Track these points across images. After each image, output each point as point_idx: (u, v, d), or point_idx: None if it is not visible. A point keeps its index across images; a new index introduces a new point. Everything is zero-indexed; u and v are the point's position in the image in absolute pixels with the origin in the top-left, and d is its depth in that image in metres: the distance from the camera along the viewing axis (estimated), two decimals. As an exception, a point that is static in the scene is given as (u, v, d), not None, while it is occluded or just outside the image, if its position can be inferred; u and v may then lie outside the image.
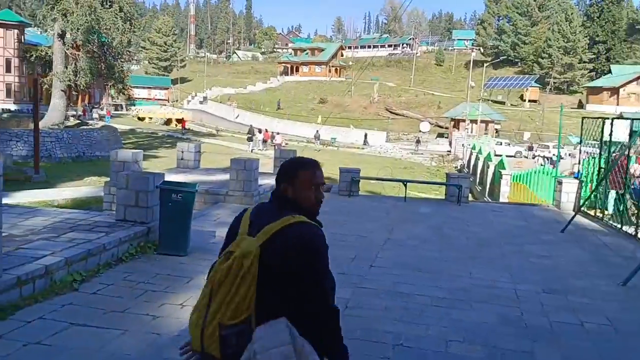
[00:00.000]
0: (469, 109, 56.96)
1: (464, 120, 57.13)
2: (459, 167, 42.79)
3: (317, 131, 52.92)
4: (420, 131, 66.74)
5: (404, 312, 6.00)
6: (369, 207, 12.83)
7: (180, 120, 62.65)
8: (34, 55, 36.64)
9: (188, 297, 6.15)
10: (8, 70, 58.96)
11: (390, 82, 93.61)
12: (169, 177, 13.08)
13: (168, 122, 64.70)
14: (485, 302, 6.55)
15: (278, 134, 46.75)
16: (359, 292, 6.67)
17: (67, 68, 30.53)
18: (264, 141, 42.63)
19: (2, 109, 49.98)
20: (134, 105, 74.90)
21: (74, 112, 52.50)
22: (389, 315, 5.87)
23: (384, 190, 20.52)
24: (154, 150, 35.34)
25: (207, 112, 74.67)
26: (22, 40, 57.54)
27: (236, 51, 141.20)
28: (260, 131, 44.39)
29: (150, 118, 65.66)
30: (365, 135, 60.37)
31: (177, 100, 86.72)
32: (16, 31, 57.39)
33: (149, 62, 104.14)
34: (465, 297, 6.68)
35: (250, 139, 40.67)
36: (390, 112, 74.82)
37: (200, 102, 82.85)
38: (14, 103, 57.51)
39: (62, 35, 30.00)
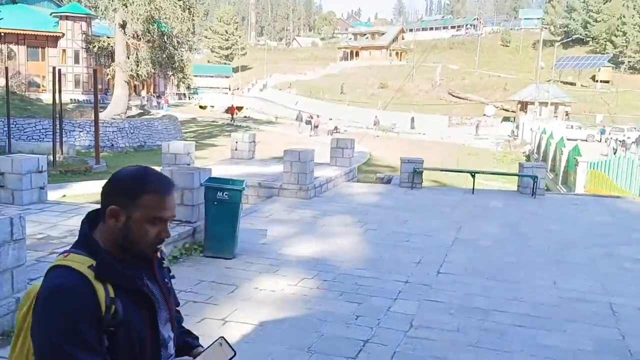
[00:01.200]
0: (538, 91, 54.03)
1: (532, 103, 54.32)
2: (527, 153, 40.62)
3: (376, 117, 51.70)
4: (484, 115, 64.19)
5: (481, 335, 5.09)
6: (434, 201, 11.85)
7: (239, 108, 63.04)
8: (97, 46, 37.31)
9: (231, 310, 5.49)
10: (76, 61, 61.00)
11: (453, 64, 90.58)
12: (222, 169, 12.56)
13: (229, 110, 65.29)
14: (576, 322, 5.53)
15: (331, 119, 45.95)
16: (426, 306, 5.81)
17: (128, 58, 30.81)
18: (315, 127, 41.99)
19: (71, 99, 51.67)
20: (196, 94, 76.04)
21: (139, 102, 53.68)
22: (463, 339, 4.98)
23: (449, 180, 19.36)
24: (213, 138, 35.36)
25: (267, 100, 74.75)
26: (89, 33, 59.19)
27: (296, 38, 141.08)
28: (312, 117, 43.94)
29: (212, 106, 66.41)
30: (412, 119, 58.13)
31: (238, 88, 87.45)
32: (83, 23, 59.21)
33: (211, 51, 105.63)
34: (552, 314, 5.69)
35: (308, 122, 40.15)
36: (454, 95, 72.44)
37: (261, 90, 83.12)
38: (82, 94, 59.56)
39: (123, 26, 30.26)
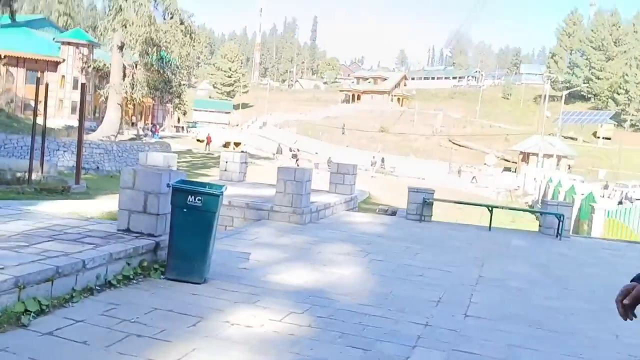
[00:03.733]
0: (543, 142, 53.24)
1: (535, 154, 53.39)
2: (530, 203, 39.29)
3: (374, 157, 50.72)
4: (485, 164, 63.36)
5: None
6: (447, 236, 10.33)
7: (237, 144, 62.24)
8: (92, 67, 36.39)
9: (188, 350, 3.92)
10: (75, 88, 60.22)
11: (454, 113, 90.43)
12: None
13: (227, 144, 64.40)
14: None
15: (316, 153, 46.76)
16: (457, 359, 4.24)
17: (124, 80, 29.76)
18: (297, 160, 43.96)
19: (66, 125, 50.56)
20: (195, 127, 75.35)
21: (135, 132, 52.67)
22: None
23: (460, 217, 17.87)
24: (207, 169, 33.96)
25: (266, 137, 73.95)
26: (91, 59, 58.72)
27: (299, 80, 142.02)
28: (291, 150, 45.63)
29: (210, 141, 65.59)
30: (382, 160, 56.71)
31: (237, 125, 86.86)
32: (85, 49, 58.72)
33: (213, 87, 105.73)
34: (630, 380, 4.12)
35: (294, 157, 41.96)
36: (454, 143, 71.70)
37: (260, 127, 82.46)
38: (77, 120, 58.59)
39: (121, 47, 29.33)
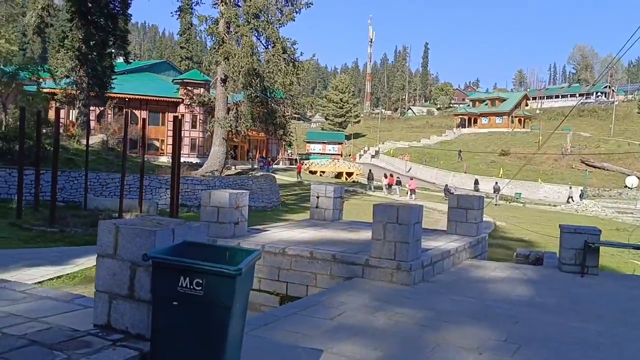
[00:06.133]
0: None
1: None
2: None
3: (497, 183, 46.13)
4: (625, 186, 55.98)
5: None
6: (632, 299, 6.98)
7: (350, 174, 60.56)
8: (197, 101, 36.28)
9: None
10: (194, 126, 62.36)
11: (584, 132, 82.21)
12: (281, 233, 8.68)
13: (339, 175, 62.91)
14: None
15: (412, 179, 43.36)
16: None
17: (228, 113, 28.88)
18: (389, 186, 41.17)
19: (185, 162, 51.85)
20: (308, 159, 75.05)
21: (249, 166, 52.82)
22: None
23: (610, 261, 13.97)
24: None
25: (379, 166, 71.59)
26: (201, 96, 60.59)
27: (411, 107, 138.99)
28: (386, 176, 43.34)
29: (323, 172, 64.56)
30: (476, 182, 52.64)
31: (349, 155, 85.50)
32: (202, 89, 60.56)
33: (325, 119, 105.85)
34: None
35: (370, 178, 41.20)
36: (587, 164, 64.45)
37: (372, 156, 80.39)
38: (197, 157, 60.16)
39: (224, 80, 28.55)
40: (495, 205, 38.35)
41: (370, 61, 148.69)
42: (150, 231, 3.47)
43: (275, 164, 61.89)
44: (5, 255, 11.78)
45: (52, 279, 10.27)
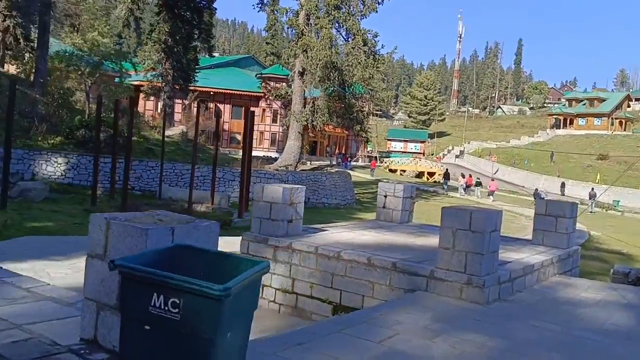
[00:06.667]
0: None
1: None
2: None
3: (593, 189, 42.77)
4: None
5: None
6: None
7: (431, 174, 58.75)
8: (274, 95, 36.12)
9: None
10: (274, 121, 62.90)
11: (697, 136, 75.17)
12: (341, 234, 7.85)
13: (420, 174, 61.12)
14: None
15: (493, 180, 41.30)
16: None
17: (304, 107, 28.40)
18: (467, 186, 39.75)
19: (264, 156, 52.29)
20: (388, 157, 73.66)
21: (327, 162, 52.43)
22: None
23: None
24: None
25: (463, 167, 68.97)
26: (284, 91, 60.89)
27: (501, 106, 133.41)
28: (463, 176, 41.95)
29: (403, 171, 63.00)
30: (562, 185, 50.53)
31: (432, 154, 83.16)
32: (284, 84, 60.88)
33: (408, 116, 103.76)
34: None
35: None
36: (699, 172, 58.56)
37: (457, 157, 77.66)
38: (276, 151, 60.61)
39: (302, 74, 28.09)
40: (591, 212, 35.49)
41: (459, 57, 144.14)
42: (141, 230, 2.75)
43: (354, 161, 61.15)
44: (70, 242, 11.77)
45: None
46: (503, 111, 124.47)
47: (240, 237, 8.10)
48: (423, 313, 5.35)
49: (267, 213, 7.36)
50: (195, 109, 51.41)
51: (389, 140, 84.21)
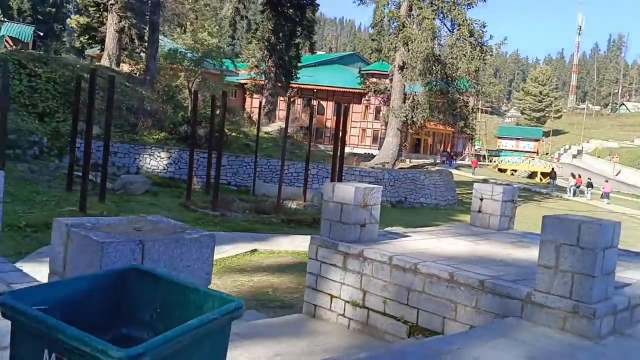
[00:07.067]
0: None
1: None
2: None
3: None
4: None
5: None
6: None
7: (545, 174, 55.00)
8: (373, 89, 35.17)
9: None
10: (377, 118, 61.92)
11: None
12: (425, 242, 6.91)
13: (532, 175, 57.48)
14: None
15: (607, 180, 37.89)
16: None
17: (404, 103, 27.24)
18: (577, 187, 37.93)
19: (365, 153, 51.57)
20: (498, 156, 70.17)
21: (431, 160, 50.75)
22: None
23: None
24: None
25: (581, 167, 63.92)
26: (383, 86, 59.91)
27: (624, 103, 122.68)
28: (573, 176, 39.92)
29: (514, 171, 59.55)
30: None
31: (547, 153, 78.07)
32: (387, 80, 59.75)
33: (521, 113, 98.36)
34: None
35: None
36: None
37: (574, 156, 72.24)
38: (378, 149, 59.68)
39: (402, 67, 26.96)
40: None
41: (578, 51, 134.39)
42: (97, 243, 2.08)
43: (460, 160, 58.73)
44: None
45: (186, 266, 9.68)
46: (627, 108, 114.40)
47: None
48: (513, 348, 4.30)
49: (337, 215, 6.58)
50: (298, 106, 51.78)
51: (499, 138, 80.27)
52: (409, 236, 7.39)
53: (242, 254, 11.54)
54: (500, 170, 59.83)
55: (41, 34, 43.21)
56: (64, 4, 78.78)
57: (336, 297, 6.49)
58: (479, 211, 8.68)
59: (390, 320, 5.99)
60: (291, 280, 9.91)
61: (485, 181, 44.29)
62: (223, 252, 11.30)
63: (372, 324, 6.13)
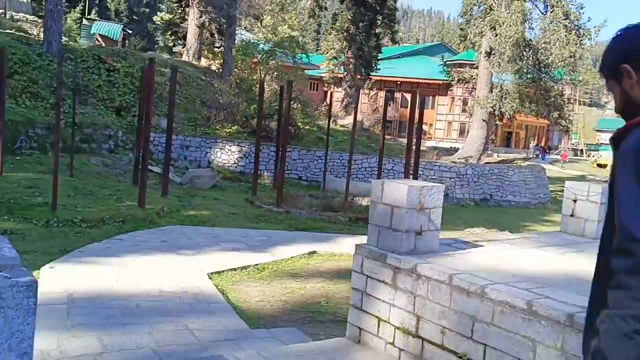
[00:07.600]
0: None
1: None
2: None
3: None
4: None
5: None
6: None
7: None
8: (457, 78, 33.09)
9: None
10: (464, 111, 59.12)
11: None
12: (510, 254, 5.53)
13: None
14: None
15: None
16: None
17: (491, 92, 25.20)
18: None
19: (451, 147, 49.31)
20: (597, 150, 65.34)
21: (523, 155, 47.80)
22: None
23: None
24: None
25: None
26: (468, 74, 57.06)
27: None
28: None
29: (615, 166, 55.13)
30: None
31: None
32: (469, 69, 56.74)
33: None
34: None
35: None
36: None
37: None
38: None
39: (489, 54, 24.93)
40: None
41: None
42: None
43: (554, 154, 55.00)
44: (213, 235, 11.07)
45: (235, 269, 8.82)
46: None
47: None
48: None
49: (386, 220, 5.35)
50: (380, 99, 50.39)
51: (598, 131, 74.75)
52: (480, 246, 6.01)
53: (298, 257, 10.54)
54: (600, 165, 55.41)
55: (130, 31, 44.74)
56: (157, 4, 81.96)
57: (384, 321, 5.28)
58: (572, 215, 7.08)
59: (449, 356, 4.70)
60: (349, 288, 8.79)
61: (582, 178, 40.84)
62: (279, 253, 10.38)
63: (427, 358, 4.88)
